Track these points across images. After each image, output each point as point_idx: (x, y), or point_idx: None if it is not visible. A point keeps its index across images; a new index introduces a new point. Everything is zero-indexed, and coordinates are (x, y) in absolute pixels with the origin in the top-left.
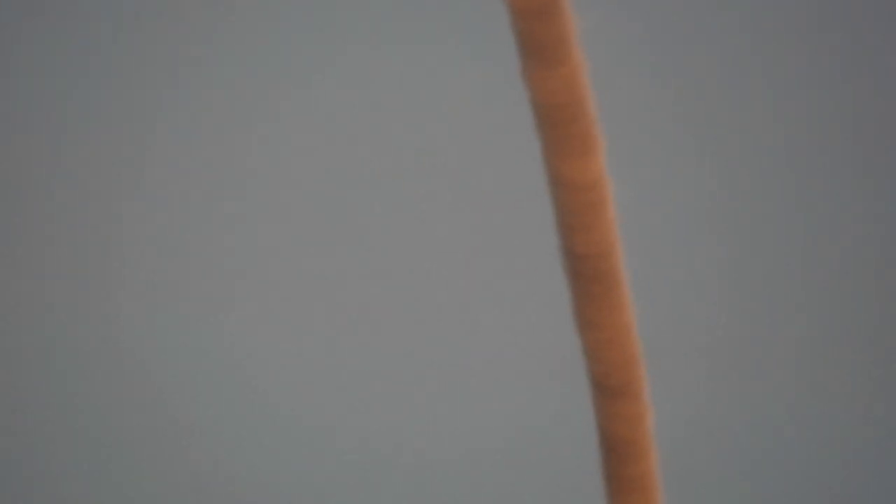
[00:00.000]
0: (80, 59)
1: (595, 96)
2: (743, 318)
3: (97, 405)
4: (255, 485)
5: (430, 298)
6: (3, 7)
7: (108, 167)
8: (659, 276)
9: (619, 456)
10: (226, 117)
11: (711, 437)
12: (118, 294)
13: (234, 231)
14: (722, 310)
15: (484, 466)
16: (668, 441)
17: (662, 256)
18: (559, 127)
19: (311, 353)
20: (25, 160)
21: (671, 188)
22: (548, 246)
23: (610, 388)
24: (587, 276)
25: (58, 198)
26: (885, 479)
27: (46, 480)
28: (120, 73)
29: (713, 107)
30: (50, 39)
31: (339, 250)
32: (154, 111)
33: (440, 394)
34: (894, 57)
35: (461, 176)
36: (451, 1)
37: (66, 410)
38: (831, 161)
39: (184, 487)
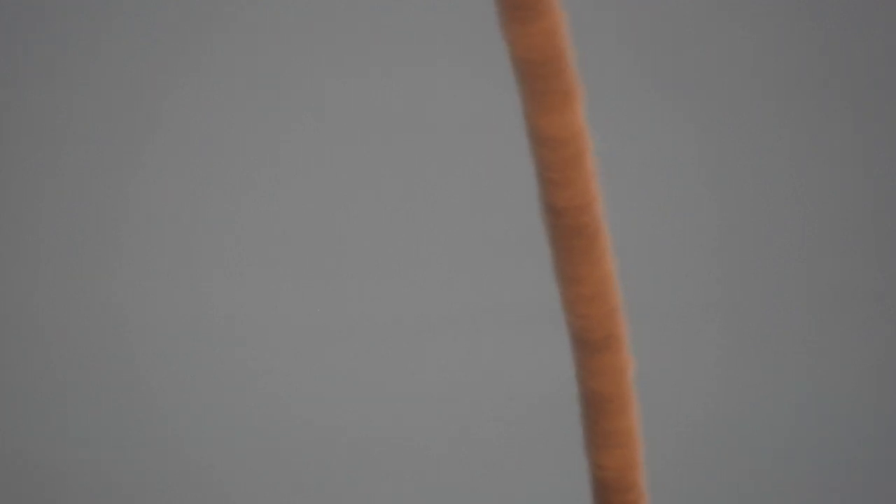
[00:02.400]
0: (82, 57)
1: (574, 50)
2: (726, 269)
3: (87, 373)
4: (241, 449)
5: (411, 255)
6: (5, 7)
7: (105, 136)
8: (640, 229)
9: (600, 411)
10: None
11: (694, 390)
12: (114, 266)
13: (228, 200)
14: (704, 262)
15: (463, 424)
16: (649, 395)
17: (643, 209)
18: (539, 82)
19: (296, 310)
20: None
21: (652, 141)
22: (527, 200)
23: (591, 343)
24: (567, 229)
25: (55, 163)
26: (876, 427)
27: (38, 440)
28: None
29: (694, 58)
30: (53, 40)
31: (318, 198)
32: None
33: (418, 350)
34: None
35: (441, 132)
36: None
37: (58, 373)
38: (819, 102)
39: (172, 457)
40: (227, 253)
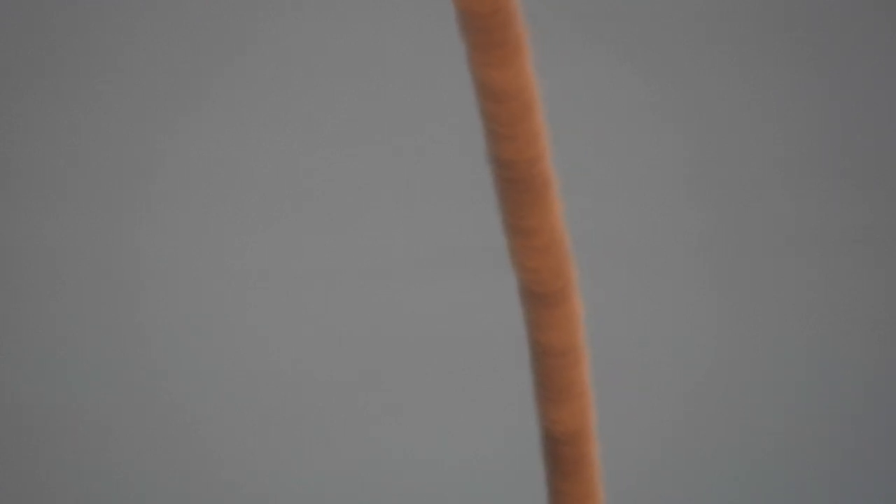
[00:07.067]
0: (91, 60)
1: (520, 3)
2: (682, 219)
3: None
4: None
5: (377, 204)
6: (12, 9)
7: (125, 105)
8: (589, 179)
9: (552, 365)
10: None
11: (643, 339)
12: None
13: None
14: (659, 209)
15: (424, 370)
16: (598, 346)
17: (593, 161)
18: (485, 34)
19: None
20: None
21: (601, 89)
22: (473, 154)
23: (542, 297)
24: (515, 183)
25: (78, 128)
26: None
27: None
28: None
29: (643, 8)
30: (66, 43)
31: (283, 153)
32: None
33: (383, 295)
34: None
35: (392, 85)
36: None
37: (74, 329)
38: (784, 26)
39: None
40: (216, 208)
